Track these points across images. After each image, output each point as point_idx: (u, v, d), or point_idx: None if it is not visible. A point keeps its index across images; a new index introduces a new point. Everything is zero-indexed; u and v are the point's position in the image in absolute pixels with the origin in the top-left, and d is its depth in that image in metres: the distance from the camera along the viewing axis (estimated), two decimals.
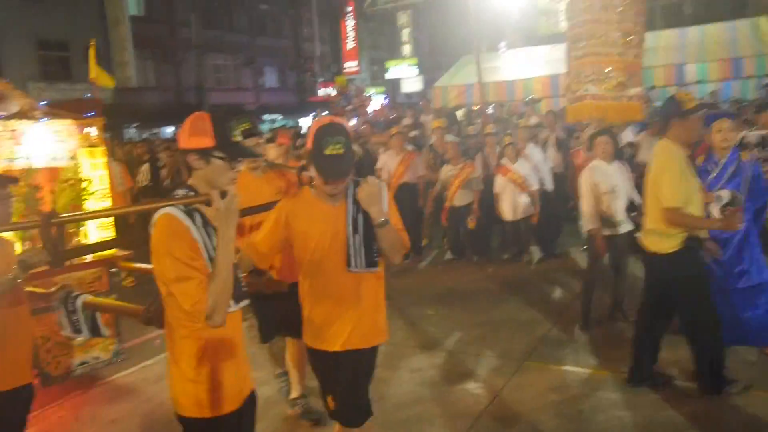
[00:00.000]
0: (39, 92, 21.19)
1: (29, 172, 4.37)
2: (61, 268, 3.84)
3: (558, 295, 6.59)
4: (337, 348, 2.77)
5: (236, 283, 2.19)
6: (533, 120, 10.04)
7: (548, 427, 3.83)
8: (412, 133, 9.93)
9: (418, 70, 31.24)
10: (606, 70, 6.49)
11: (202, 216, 2.16)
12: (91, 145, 4.63)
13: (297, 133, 12.39)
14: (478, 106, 12.05)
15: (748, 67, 11.35)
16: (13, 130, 4.18)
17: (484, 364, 4.86)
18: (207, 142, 2.17)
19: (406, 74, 31.75)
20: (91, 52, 8.05)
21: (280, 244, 2.80)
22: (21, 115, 4.27)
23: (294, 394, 4.13)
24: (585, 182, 5.18)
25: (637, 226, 5.20)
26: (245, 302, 2.30)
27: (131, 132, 23.69)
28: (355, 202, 2.65)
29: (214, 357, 2.21)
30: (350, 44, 31.82)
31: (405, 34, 31.34)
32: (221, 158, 2.19)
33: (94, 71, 6.85)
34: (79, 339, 3.13)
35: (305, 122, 27.33)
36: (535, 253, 7.97)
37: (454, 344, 5.34)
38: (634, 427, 3.77)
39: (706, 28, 12.86)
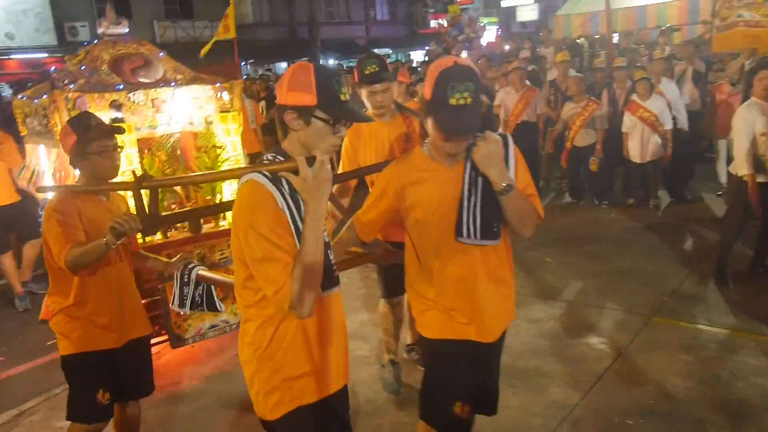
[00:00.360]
0: (164, 30, 22.20)
1: (169, 138, 4.37)
2: (154, 235, 3.78)
3: (690, 245, 6.11)
4: (478, 338, 2.34)
5: (326, 267, 1.89)
6: (667, 51, 9.16)
7: (680, 390, 3.58)
8: (529, 67, 9.38)
9: None
10: None
11: (290, 184, 1.83)
12: (224, 111, 4.45)
13: (411, 68, 12.13)
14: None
15: None
16: (154, 99, 4.13)
17: (607, 317, 4.61)
18: (308, 99, 1.81)
19: (521, 2, 30.04)
20: (230, 11, 8.16)
21: (388, 216, 2.41)
22: (162, 81, 4.22)
23: (410, 340, 4.15)
24: (740, 122, 4.63)
25: None
26: (336, 289, 2.02)
27: (247, 68, 24.35)
28: (472, 163, 2.21)
29: (289, 350, 1.93)
30: None
31: None
32: (324, 120, 1.83)
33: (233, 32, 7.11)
34: (182, 312, 3.06)
35: (416, 56, 26.80)
36: (664, 197, 7.41)
37: (574, 294, 5.11)
38: None
39: None
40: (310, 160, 1.78)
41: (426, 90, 2.17)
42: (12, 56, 19.69)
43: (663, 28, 10.64)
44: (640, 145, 7.10)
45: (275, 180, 1.82)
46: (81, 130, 2.66)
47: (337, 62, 24.77)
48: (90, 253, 2.50)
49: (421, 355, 4.00)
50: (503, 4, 30.66)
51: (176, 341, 4.19)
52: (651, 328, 4.37)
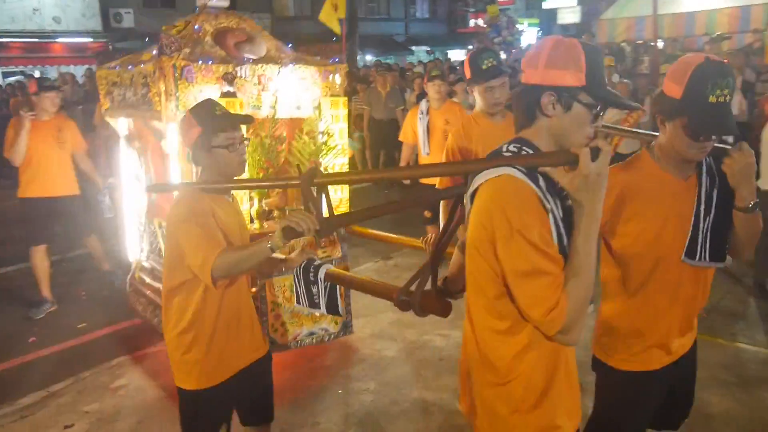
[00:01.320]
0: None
1: (273, 121, 4.01)
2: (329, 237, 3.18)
3: (729, 261, 5.88)
4: (674, 358, 2.15)
5: None
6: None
7: (718, 410, 3.45)
8: None
9: (576, 0, 29.02)
10: None
11: (546, 182, 1.55)
12: (334, 95, 4.12)
13: (450, 68, 12.06)
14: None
15: None
16: (261, 75, 3.83)
17: None
18: (575, 79, 1.54)
19: (563, 4, 29.64)
20: None
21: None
22: (268, 59, 3.94)
23: None
24: None
25: None
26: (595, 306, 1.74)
27: None
28: (712, 175, 2.02)
29: (555, 389, 1.64)
30: None
31: None
32: (589, 105, 1.56)
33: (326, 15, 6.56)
34: (316, 313, 2.66)
35: (454, 54, 26.65)
36: None
37: None
38: None
39: None
40: (594, 152, 1.47)
41: (672, 88, 1.92)
42: (58, 39, 20.14)
43: (712, 35, 10.35)
44: None
45: (531, 176, 1.53)
46: (207, 120, 2.29)
47: (375, 58, 24.74)
48: (250, 258, 2.15)
49: None
50: (544, 6, 30.32)
51: (271, 346, 3.79)
52: None
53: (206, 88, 3.66)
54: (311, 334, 4.02)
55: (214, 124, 2.29)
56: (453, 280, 2.03)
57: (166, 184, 3.52)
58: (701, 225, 2.00)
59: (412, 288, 1.97)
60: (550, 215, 1.52)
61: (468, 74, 3.28)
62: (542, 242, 1.49)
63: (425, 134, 5.55)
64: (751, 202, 1.97)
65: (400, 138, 6.07)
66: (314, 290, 2.40)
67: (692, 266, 2.03)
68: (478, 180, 1.59)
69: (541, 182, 1.53)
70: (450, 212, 2.04)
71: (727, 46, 10.93)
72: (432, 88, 5.58)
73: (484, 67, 3.17)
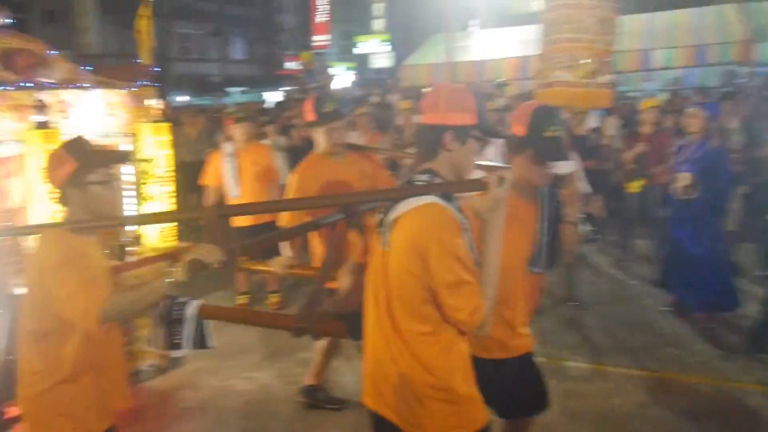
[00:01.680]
0: None
1: None
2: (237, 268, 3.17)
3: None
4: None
5: None
6: (501, 102, 9.97)
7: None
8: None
9: (390, 46, 30.89)
10: (579, 57, 6.34)
11: (456, 205, 1.91)
12: (156, 121, 3.96)
13: (262, 110, 12.11)
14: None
15: (711, 54, 11.46)
16: (61, 101, 3.55)
17: None
18: (470, 118, 1.92)
19: (376, 50, 31.39)
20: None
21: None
22: (68, 83, 3.68)
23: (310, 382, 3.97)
24: None
25: (585, 217, 5.23)
26: None
27: None
28: (548, 198, 2.45)
29: (463, 363, 1.99)
30: (322, 17, 31.05)
31: (377, 8, 30.90)
32: (478, 139, 1.94)
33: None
34: (175, 355, 2.50)
35: (270, 96, 26.85)
36: None
37: None
38: (584, 415, 3.83)
39: (674, 14, 12.91)
40: (500, 180, 1.83)
41: (518, 128, 2.43)
42: None
43: (499, 81, 11.57)
44: None
45: (449, 200, 1.87)
46: (82, 155, 2.21)
47: (188, 98, 24.07)
48: (147, 297, 2.06)
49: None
50: (357, 51, 31.85)
51: None
52: None
53: (2, 118, 3.32)
54: (137, 372, 3.84)
55: (90, 159, 2.21)
56: (344, 301, 2.31)
57: (28, 225, 3.14)
58: (544, 239, 2.45)
59: (304, 314, 2.15)
60: (465, 233, 1.86)
61: (311, 117, 3.50)
62: (466, 257, 1.83)
63: (235, 177, 5.47)
64: (577, 217, 2.52)
65: (201, 182, 5.84)
66: (175, 330, 2.33)
67: (534, 274, 2.46)
68: (401, 208, 1.87)
69: (454, 205, 1.87)
70: (328, 241, 2.33)
71: (511, 91, 12.31)
72: (238, 131, 5.58)
73: (326, 110, 3.45)
